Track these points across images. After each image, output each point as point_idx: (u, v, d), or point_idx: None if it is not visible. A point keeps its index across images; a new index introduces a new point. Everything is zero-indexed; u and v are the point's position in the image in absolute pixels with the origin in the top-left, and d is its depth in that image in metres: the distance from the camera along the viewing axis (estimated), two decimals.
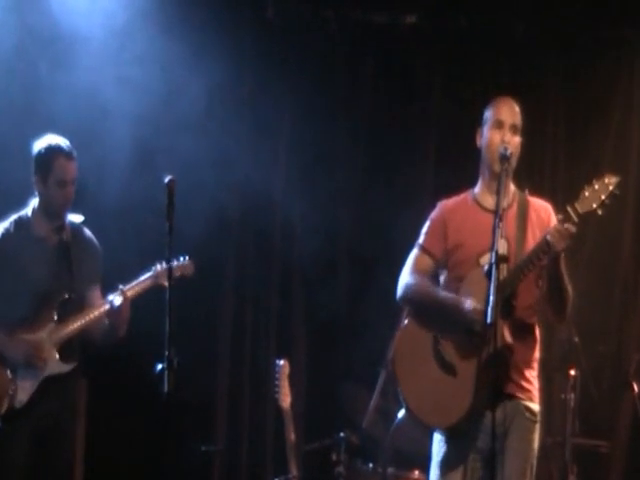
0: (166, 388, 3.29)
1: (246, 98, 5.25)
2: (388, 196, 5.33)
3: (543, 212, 3.63)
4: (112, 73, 4.99)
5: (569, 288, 3.50)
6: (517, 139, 3.59)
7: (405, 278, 3.65)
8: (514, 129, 3.58)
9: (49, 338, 4.00)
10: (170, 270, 3.57)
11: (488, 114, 3.63)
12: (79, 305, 4.08)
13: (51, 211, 4.10)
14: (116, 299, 4.01)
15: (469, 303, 3.44)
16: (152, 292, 4.06)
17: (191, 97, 5.04)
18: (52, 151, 4.05)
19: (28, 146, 4.13)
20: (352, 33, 5.44)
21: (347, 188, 5.42)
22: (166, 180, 3.44)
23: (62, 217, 4.12)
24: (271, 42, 5.35)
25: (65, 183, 4.04)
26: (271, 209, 5.38)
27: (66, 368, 4.03)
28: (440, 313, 3.53)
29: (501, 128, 3.57)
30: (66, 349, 4.03)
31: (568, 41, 5.51)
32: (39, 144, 4.09)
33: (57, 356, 4.01)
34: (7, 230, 4.10)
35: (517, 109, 3.63)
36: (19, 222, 4.11)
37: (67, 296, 4.04)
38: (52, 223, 4.10)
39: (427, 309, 3.59)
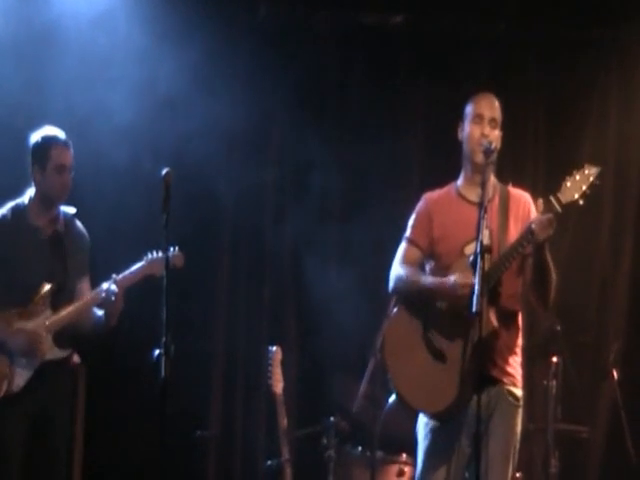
0: (163, 374, 3.35)
1: (237, 97, 5.28)
2: (377, 190, 5.40)
3: (523, 202, 3.70)
4: (102, 69, 5.04)
5: (553, 275, 3.57)
6: (497, 132, 3.67)
7: (395, 270, 3.73)
8: (494, 123, 3.66)
9: (44, 326, 4.06)
10: (167, 259, 3.62)
11: (468, 109, 3.71)
12: (70, 295, 4.14)
13: (48, 200, 4.14)
14: (110, 287, 4.07)
15: (452, 278, 3.52)
16: (149, 281, 4.12)
17: (183, 96, 5.09)
18: (49, 140, 4.13)
19: (21, 138, 4.21)
20: (341, 33, 5.48)
21: (338, 182, 5.45)
22: (162, 173, 3.50)
23: (58, 206, 4.17)
24: (263, 42, 5.38)
25: (63, 168, 4.10)
26: (263, 201, 5.43)
27: (61, 354, 4.10)
28: (429, 301, 3.61)
29: (481, 122, 3.65)
30: (60, 336, 4.09)
31: (547, 40, 5.57)
32: (36, 136, 4.16)
33: (52, 343, 4.07)
34: (4, 217, 4.16)
35: (497, 104, 3.71)
36: (16, 210, 4.17)
37: (60, 285, 4.09)
38: (48, 213, 4.16)
39: (416, 297, 3.66)
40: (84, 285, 4.20)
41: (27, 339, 4.03)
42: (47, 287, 4.07)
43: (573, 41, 5.56)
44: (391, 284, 3.74)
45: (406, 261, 3.73)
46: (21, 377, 4.03)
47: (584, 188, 3.43)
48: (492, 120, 3.66)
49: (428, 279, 3.67)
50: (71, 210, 4.25)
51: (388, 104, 5.51)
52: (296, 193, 5.38)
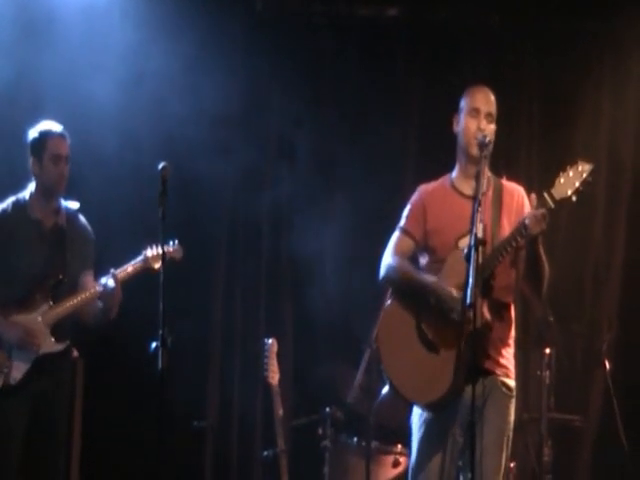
0: (160, 366, 3.41)
1: (233, 90, 5.31)
2: (372, 182, 5.40)
3: (516, 195, 3.73)
4: (97, 62, 5.05)
5: (546, 267, 3.60)
6: (492, 126, 3.70)
7: (387, 259, 3.75)
8: (490, 117, 3.69)
9: (42, 319, 4.09)
10: (164, 254, 3.69)
11: (465, 102, 3.73)
12: (72, 288, 4.18)
13: (47, 191, 4.19)
14: (108, 282, 4.11)
15: (451, 292, 3.53)
16: (147, 274, 4.17)
17: (180, 89, 5.12)
18: (45, 133, 4.20)
19: (17, 132, 4.27)
20: (337, 25, 5.52)
21: (333, 174, 5.48)
22: (159, 167, 3.56)
23: (58, 197, 4.21)
24: (260, 34, 5.41)
25: (59, 158, 4.16)
26: (260, 195, 5.43)
27: (58, 347, 4.14)
28: (420, 295, 3.63)
29: (477, 116, 3.67)
30: (58, 329, 4.13)
31: (541, 33, 5.60)
32: (33, 131, 4.22)
33: (50, 336, 4.11)
34: (5, 211, 4.21)
35: (492, 98, 3.74)
36: (17, 204, 4.22)
37: (60, 278, 4.14)
38: (48, 206, 4.20)
39: (408, 290, 3.68)
40: (87, 279, 4.23)
41: (23, 332, 4.07)
42: (59, 279, 4.11)
43: (566, 33, 5.58)
44: (382, 273, 3.77)
45: (398, 251, 3.76)
46: (18, 370, 4.07)
47: (577, 185, 3.46)
48: (488, 114, 3.69)
49: (422, 276, 3.67)
50: (74, 205, 4.29)
51: (384, 96, 5.52)
52: (294, 184, 5.39)
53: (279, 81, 5.43)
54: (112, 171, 5.05)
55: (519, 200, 3.73)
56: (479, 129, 3.65)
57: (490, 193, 3.71)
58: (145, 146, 5.04)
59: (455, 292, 3.55)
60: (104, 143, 5.01)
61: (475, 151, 3.64)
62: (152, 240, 4.13)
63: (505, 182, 3.78)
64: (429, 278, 3.65)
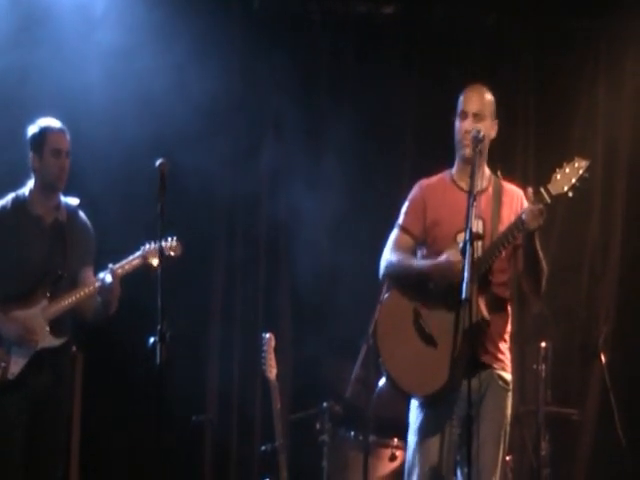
0: (159, 360, 3.43)
1: (232, 87, 5.34)
2: (370, 178, 5.46)
3: (516, 196, 3.77)
4: (92, 59, 5.07)
5: (544, 263, 3.63)
6: (486, 123, 3.72)
7: (387, 256, 3.78)
8: (477, 117, 3.71)
9: (41, 314, 4.10)
10: (161, 249, 3.71)
11: (458, 103, 3.78)
12: (71, 284, 4.19)
13: (48, 186, 4.19)
14: (107, 277, 4.12)
15: (445, 256, 3.58)
16: (147, 269, 4.18)
17: (177, 87, 5.13)
18: (45, 128, 4.22)
19: (16, 129, 4.28)
20: (334, 23, 5.55)
21: (331, 170, 5.46)
22: (157, 163, 3.58)
23: (58, 192, 4.22)
24: (257, 32, 5.44)
25: (59, 152, 4.17)
26: (258, 190, 5.46)
27: (57, 342, 4.14)
28: (420, 285, 3.66)
29: (465, 118, 3.72)
30: (57, 324, 4.14)
31: (538, 31, 5.63)
32: (32, 127, 4.23)
33: (49, 331, 4.11)
34: (4, 207, 4.21)
35: (484, 96, 3.76)
36: (16, 200, 4.22)
37: (60, 274, 4.15)
38: (49, 202, 4.21)
39: (408, 281, 3.71)
40: (86, 274, 4.24)
41: (21, 328, 4.08)
42: (59, 274, 4.12)
43: (563, 31, 5.61)
44: (382, 270, 3.80)
45: (397, 248, 3.79)
46: (17, 365, 4.08)
47: (573, 181, 3.50)
48: (475, 115, 3.72)
49: (421, 262, 3.72)
50: (74, 201, 4.30)
51: (379, 96, 5.54)
52: (290, 183, 5.40)
53: (276, 79, 5.44)
54: (108, 166, 5.06)
55: (519, 199, 3.76)
56: (466, 132, 3.68)
57: (490, 190, 3.75)
58: (142, 143, 5.04)
59: (453, 255, 3.55)
60: (100, 140, 5.03)
61: (465, 152, 3.69)
62: (150, 235, 4.13)
63: (505, 183, 3.82)
64: (426, 262, 3.68)
